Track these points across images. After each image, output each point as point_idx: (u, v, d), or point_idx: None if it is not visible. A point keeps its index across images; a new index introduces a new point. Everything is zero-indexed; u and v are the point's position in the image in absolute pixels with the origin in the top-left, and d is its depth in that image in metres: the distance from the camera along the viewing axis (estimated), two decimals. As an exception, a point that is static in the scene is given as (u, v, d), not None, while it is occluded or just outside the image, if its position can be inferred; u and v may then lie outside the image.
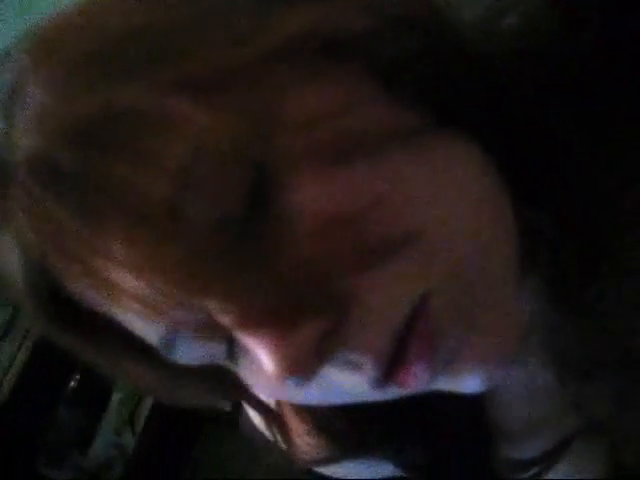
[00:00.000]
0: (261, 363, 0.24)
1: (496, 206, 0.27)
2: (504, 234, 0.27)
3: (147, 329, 0.26)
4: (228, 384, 0.30)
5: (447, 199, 0.25)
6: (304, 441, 0.37)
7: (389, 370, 0.25)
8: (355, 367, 0.25)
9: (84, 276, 0.24)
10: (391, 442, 0.37)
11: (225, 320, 0.24)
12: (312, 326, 0.23)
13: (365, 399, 0.29)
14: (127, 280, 0.24)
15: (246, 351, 0.25)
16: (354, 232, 0.24)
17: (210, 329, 0.25)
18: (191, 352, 0.27)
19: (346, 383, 0.26)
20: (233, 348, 0.26)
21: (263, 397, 0.34)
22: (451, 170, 0.26)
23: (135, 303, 0.24)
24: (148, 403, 1.36)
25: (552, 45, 0.29)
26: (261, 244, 0.24)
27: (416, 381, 0.25)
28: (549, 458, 0.36)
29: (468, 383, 0.27)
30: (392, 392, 0.27)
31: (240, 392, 0.32)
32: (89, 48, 0.24)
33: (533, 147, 0.29)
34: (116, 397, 1.38)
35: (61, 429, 1.41)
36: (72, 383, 1.40)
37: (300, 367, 0.24)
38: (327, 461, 0.38)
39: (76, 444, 1.43)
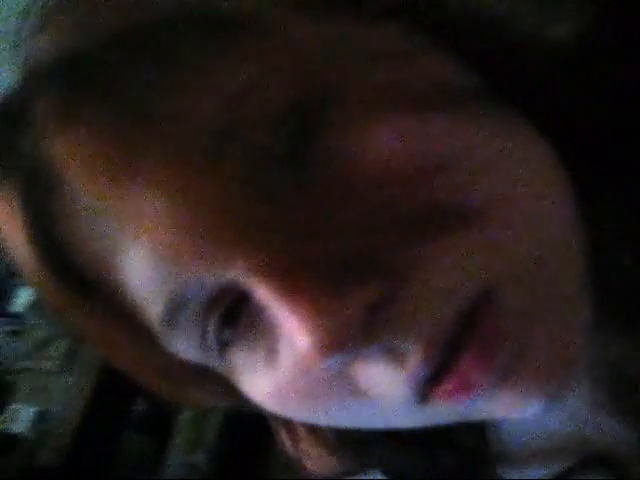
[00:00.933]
0: (292, 341, 0.20)
1: (566, 201, 0.24)
2: (572, 232, 0.23)
3: (154, 295, 0.23)
4: (224, 386, 0.27)
5: (521, 181, 0.22)
6: (315, 452, 0.34)
7: (437, 372, 0.21)
8: (398, 358, 0.21)
9: (110, 198, 0.21)
10: (394, 455, 0.33)
11: (251, 282, 0.20)
12: (360, 296, 0.20)
13: (388, 420, 0.24)
14: (156, 211, 0.21)
15: (263, 333, 0.22)
16: (421, 193, 0.21)
17: (219, 304, 0.22)
18: (189, 338, 0.24)
19: (380, 384, 0.22)
20: (237, 339, 0.23)
21: (264, 407, 0.27)
22: (524, 149, 0.23)
23: (159, 240, 0.21)
24: (216, 420, 1.37)
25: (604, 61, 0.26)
26: (307, 195, 0.21)
27: (468, 393, 0.21)
28: None
29: (521, 404, 0.22)
30: (430, 408, 0.22)
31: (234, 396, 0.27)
32: None
33: (596, 136, 0.25)
34: (182, 417, 1.39)
35: (131, 454, 1.43)
36: (137, 408, 1.42)
37: (344, 344, 0.19)
38: (339, 475, 0.35)
39: (147, 467, 1.44)
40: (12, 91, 0.25)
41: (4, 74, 0.26)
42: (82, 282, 0.24)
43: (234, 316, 0.23)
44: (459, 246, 0.21)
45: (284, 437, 0.34)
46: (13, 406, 1.45)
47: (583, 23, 0.26)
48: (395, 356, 0.21)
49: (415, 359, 0.21)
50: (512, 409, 0.22)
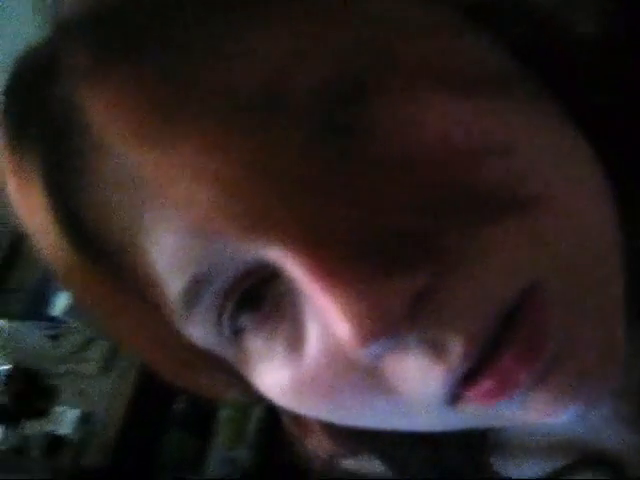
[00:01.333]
0: (330, 326, 0.19)
1: (606, 197, 0.23)
2: (614, 230, 0.22)
3: (178, 270, 0.21)
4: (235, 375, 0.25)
5: (570, 172, 0.22)
6: (315, 432, 0.33)
7: (474, 371, 0.20)
8: (437, 351, 0.20)
9: (145, 161, 0.20)
10: (393, 443, 0.32)
11: (287, 261, 0.19)
12: (408, 283, 0.18)
13: (413, 421, 0.23)
14: (194, 178, 0.19)
15: (287, 319, 0.21)
16: (478, 177, 0.19)
17: (241, 286, 0.21)
18: (206, 320, 0.22)
19: (412, 379, 0.20)
20: (258, 328, 0.22)
21: (276, 401, 0.25)
22: (569, 140, 0.23)
23: (194, 210, 0.20)
24: (256, 415, 1.38)
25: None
26: (355, 165, 0.20)
27: (506, 393, 0.20)
28: None
29: (557, 407, 0.21)
30: (459, 411, 0.21)
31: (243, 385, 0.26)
32: None
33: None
34: (223, 414, 1.40)
35: (174, 452, 1.45)
36: (178, 406, 1.43)
37: (387, 332, 0.18)
38: (335, 456, 0.34)
39: (190, 465, 1.46)
40: (41, 43, 0.24)
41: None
42: (102, 254, 0.22)
43: (255, 300, 0.22)
44: (511, 236, 0.20)
45: (285, 417, 0.34)
46: (58, 409, 1.48)
47: (605, 18, 0.25)
48: (434, 348, 0.20)
49: (456, 352, 0.19)
50: (546, 413, 0.21)
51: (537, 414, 0.21)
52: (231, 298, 0.22)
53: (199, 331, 0.23)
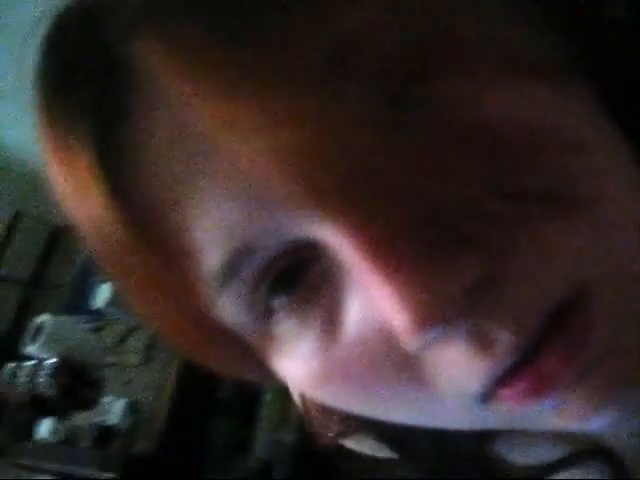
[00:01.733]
0: (386, 311, 0.18)
1: None
2: None
3: (220, 241, 0.21)
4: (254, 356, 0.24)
5: (621, 173, 0.21)
6: (323, 417, 0.33)
7: (515, 368, 0.19)
8: (482, 342, 0.19)
9: (204, 121, 0.19)
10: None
11: (340, 242, 0.19)
12: (465, 272, 0.18)
13: (442, 417, 0.22)
14: (256, 141, 0.18)
15: (324, 302, 0.21)
16: (540, 169, 0.19)
17: (280, 263, 0.21)
18: (238, 297, 0.22)
19: (451, 372, 0.20)
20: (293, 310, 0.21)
21: (302, 386, 0.24)
22: (615, 138, 0.22)
23: (251, 176, 0.19)
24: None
25: None
26: (418, 143, 0.19)
27: (544, 392, 0.19)
28: (548, 469, 0.30)
29: (590, 412, 0.20)
30: (491, 410, 0.21)
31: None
32: None
33: None
34: (267, 398, 1.42)
35: (220, 437, 1.47)
36: (222, 393, 1.45)
37: (441, 321, 0.18)
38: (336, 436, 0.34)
39: (237, 449, 1.48)
40: None
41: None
42: (147, 224, 0.21)
43: (291, 281, 0.21)
44: (571, 234, 0.19)
45: (295, 395, 0.33)
46: (105, 399, 1.51)
47: (635, 1, 0.24)
48: (482, 339, 0.19)
49: (503, 345, 0.19)
50: (578, 418, 0.20)
51: (569, 418, 0.21)
52: (268, 275, 0.21)
53: (230, 307, 0.22)
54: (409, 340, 0.18)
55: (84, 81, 0.22)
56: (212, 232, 0.21)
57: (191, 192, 0.21)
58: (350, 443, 0.35)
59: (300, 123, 0.18)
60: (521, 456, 0.31)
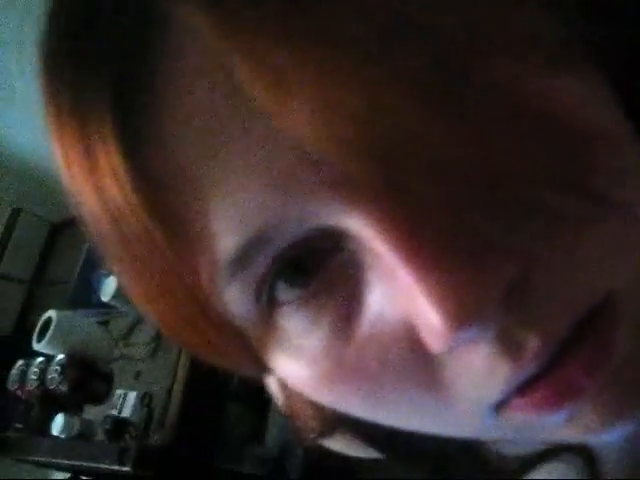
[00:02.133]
0: (420, 311, 0.18)
1: None
2: None
3: (239, 225, 0.20)
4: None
5: None
6: (305, 417, 0.33)
7: (541, 373, 0.19)
8: (510, 346, 0.19)
9: (238, 94, 0.18)
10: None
11: (373, 236, 0.18)
12: (502, 270, 0.18)
13: (452, 425, 0.22)
14: (293, 123, 0.17)
15: (340, 294, 0.20)
16: (581, 171, 0.18)
17: (293, 252, 0.20)
18: (249, 286, 0.21)
19: (472, 376, 0.19)
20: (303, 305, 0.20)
21: (305, 385, 0.23)
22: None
23: (281, 158, 0.18)
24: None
25: None
26: (463, 130, 0.18)
27: (563, 402, 0.19)
28: (531, 462, 0.30)
29: (605, 424, 0.20)
30: (503, 420, 0.20)
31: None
32: None
33: None
34: (279, 384, 1.41)
35: (234, 424, 1.47)
36: (234, 381, 1.44)
37: (481, 319, 0.17)
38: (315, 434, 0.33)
39: (251, 436, 1.48)
40: None
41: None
42: (163, 203, 0.20)
43: (306, 271, 0.20)
44: (606, 241, 0.19)
45: (276, 390, 0.32)
46: (117, 392, 1.51)
47: None
48: (507, 343, 0.19)
49: (530, 349, 0.19)
50: (591, 429, 0.20)
51: (580, 430, 0.20)
52: (282, 265, 0.20)
53: (237, 298, 0.21)
54: (440, 339, 0.18)
55: (110, 33, 0.20)
56: (230, 217, 0.20)
57: (218, 168, 0.19)
58: (332, 444, 0.35)
59: (351, 88, 0.17)
60: (509, 447, 0.31)
